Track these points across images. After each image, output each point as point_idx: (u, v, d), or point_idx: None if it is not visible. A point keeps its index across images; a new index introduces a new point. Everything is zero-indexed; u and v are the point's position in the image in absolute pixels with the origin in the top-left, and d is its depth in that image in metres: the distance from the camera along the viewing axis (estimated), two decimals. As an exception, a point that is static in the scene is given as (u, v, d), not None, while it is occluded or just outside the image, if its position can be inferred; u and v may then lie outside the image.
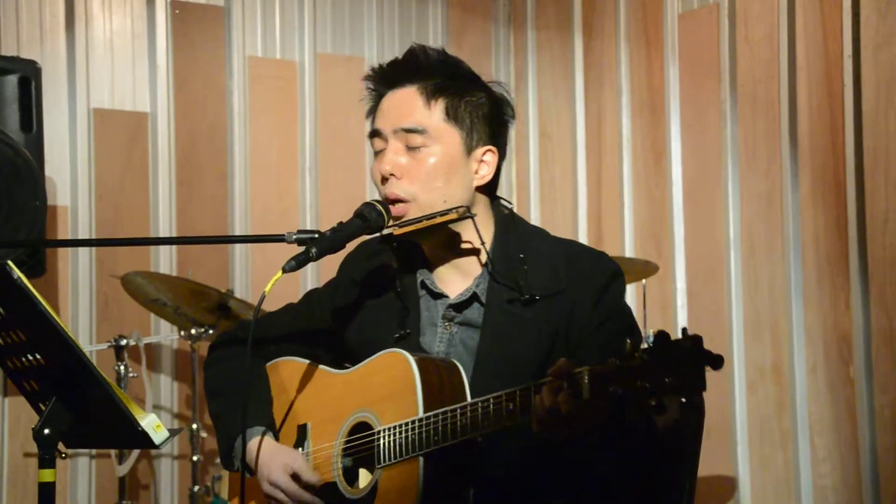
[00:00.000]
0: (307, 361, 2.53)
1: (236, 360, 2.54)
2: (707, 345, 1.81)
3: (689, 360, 1.79)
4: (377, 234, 2.39)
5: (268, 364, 2.60)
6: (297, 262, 2.22)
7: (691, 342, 1.80)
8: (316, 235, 2.27)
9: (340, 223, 2.32)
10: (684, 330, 1.82)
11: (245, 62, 4.96)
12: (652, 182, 4.83)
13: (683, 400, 1.79)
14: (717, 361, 1.79)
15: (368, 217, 2.33)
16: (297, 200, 5.04)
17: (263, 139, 4.99)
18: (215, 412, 2.56)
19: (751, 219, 4.37)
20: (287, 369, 2.57)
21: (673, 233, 4.69)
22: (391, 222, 2.34)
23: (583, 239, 5.08)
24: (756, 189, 4.34)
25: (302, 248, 2.26)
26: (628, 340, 1.87)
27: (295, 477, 2.36)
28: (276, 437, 2.49)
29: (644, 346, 1.86)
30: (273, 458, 2.40)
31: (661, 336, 1.81)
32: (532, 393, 2.02)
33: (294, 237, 2.28)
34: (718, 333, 4.39)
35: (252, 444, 2.42)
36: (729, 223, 4.43)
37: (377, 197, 2.39)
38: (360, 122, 5.15)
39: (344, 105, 5.14)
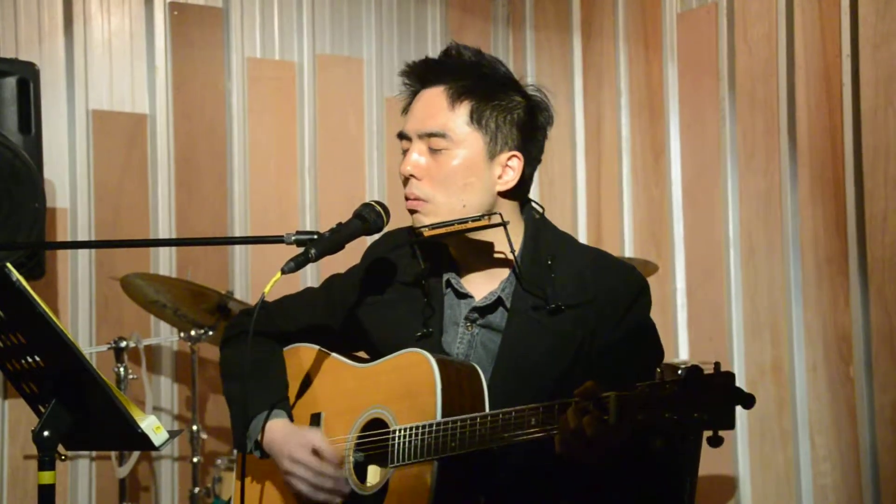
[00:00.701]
0: (325, 349, 2.53)
1: (253, 342, 2.52)
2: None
3: (720, 397, 1.77)
4: (405, 229, 2.39)
5: (285, 349, 2.60)
6: (297, 264, 2.23)
7: (724, 379, 1.78)
8: (315, 236, 2.28)
9: (339, 224, 2.33)
10: (717, 365, 1.80)
11: (244, 63, 4.96)
12: (651, 181, 4.83)
13: (710, 434, 1.78)
14: (748, 401, 1.77)
15: (367, 218, 2.34)
16: (296, 201, 5.04)
17: (262, 140, 4.98)
18: (230, 393, 2.56)
19: (750, 218, 4.36)
20: (304, 355, 2.57)
21: (672, 232, 4.69)
22: (420, 220, 2.33)
23: (582, 239, 5.08)
24: (755, 188, 4.34)
25: (301, 249, 2.26)
26: (659, 370, 1.85)
27: (316, 453, 2.37)
28: (291, 419, 2.50)
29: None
30: (292, 436, 2.41)
31: (694, 370, 1.79)
32: (555, 410, 2.01)
33: (293, 238, 2.28)
34: (718, 333, 4.39)
35: (270, 425, 2.43)
36: (728, 222, 4.43)
37: (377, 197, 2.40)
38: (359, 122, 5.17)
39: (343, 106, 5.14)
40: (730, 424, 1.77)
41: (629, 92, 4.96)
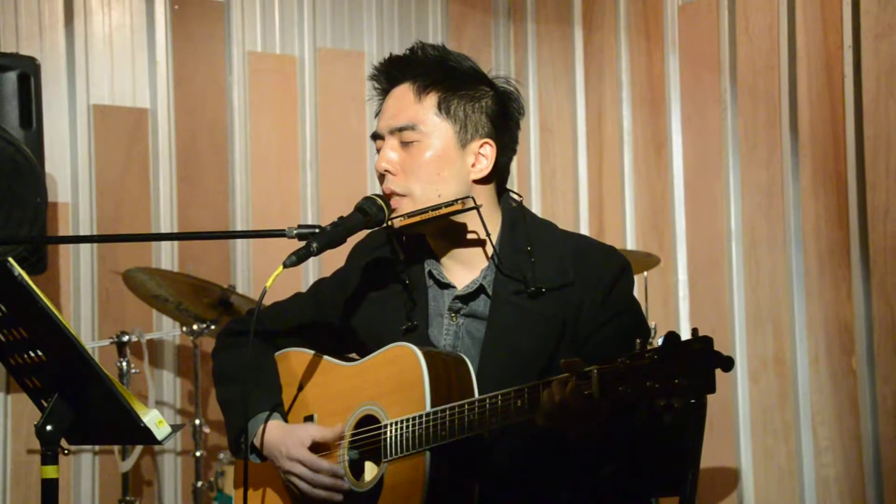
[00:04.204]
0: (315, 352, 2.55)
1: (245, 347, 2.54)
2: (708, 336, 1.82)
3: (700, 361, 1.80)
4: (382, 227, 2.40)
5: (276, 354, 2.62)
6: (298, 257, 2.24)
7: (702, 343, 1.80)
8: (317, 230, 2.29)
9: (341, 218, 2.34)
10: (695, 331, 1.82)
11: (245, 57, 4.96)
12: (653, 174, 4.83)
13: (693, 401, 1.79)
14: (727, 363, 1.80)
15: (369, 211, 2.35)
16: (297, 195, 5.04)
17: (263, 134, 4.98)
18: (224, 399, 2.58)
19: (752, 210, 4.36)
20: (295, 360, 2.58)
21: (674, 225, 4.69)
22: (392, 215, 2.35)
23: (584, 231, 5.08)
24: (757, 180, 4.34)
25: (303, 243, 2.27)
26: (638, 340, 1.87)
27: (313, 448, 2.39)
28: (286, 422, 2.51)
29: (653, 345, 1.86)
30: (287, 435, 2.43)
31: (672, 337, 1.82)
32: (541, 390, 2.03)
33: (295, 232, 2.30)
34: (720, 325, 4.39)
35: (267, 427, 2.44)
36: (730, 215, 4.43)
37: (378, 191, 2.41)
38: (361, 116, 5.17)
39: (344, 100, 5.14)
40: (710, 388, 1.80)
41: (630, 84, 4.95)
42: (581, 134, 5.20)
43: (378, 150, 2.41)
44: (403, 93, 2.39)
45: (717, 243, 4.48)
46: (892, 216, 3.81)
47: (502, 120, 2.41)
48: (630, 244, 4.88)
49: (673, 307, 4.65)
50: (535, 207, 5.31)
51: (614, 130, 5.01)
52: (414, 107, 2.36)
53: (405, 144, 2.36)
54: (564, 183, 5.26)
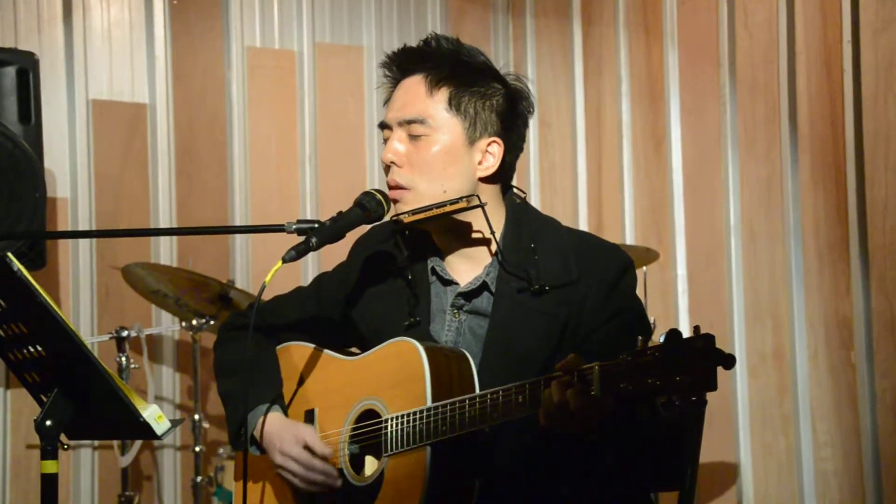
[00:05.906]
0: (316, 346, 2.55)
1: (246, 341, 2.54)
2: (707, 331, 1.82)
3: (701, 359, 1.80)
4: (387, 220, 2.40)
5: (278, 347, 2.62)
6: (297, 252, 2.24)
7: (703, 341, 1.80)
8: (316, 225, 2.29)
9: (340, 212, 2.34)
10: (696, 328, 1.82)
11: (243, 52, 4.96)
12: (652, 169, 4.83)
13: (694, 399, 1.80)
14: (728, 361, 1.80)
15: (368, 206, 2.35)
16: (296, 190, 5.04)
17: (263, 129, 4.98)
18: (225, 392, 2.58)
19: (751, 204, 4.36)
20: (296, 354, 2.58)
21: (673, 219, 4.69)
22: (401, 209, 2.35)
23: (583, 226, 5.08)
24: (756, 175, 4.34)
25: (302, 238, 2.27)
26: (640, 338, 1.87)
27: (307, 448, 2.39)
28: (286, 416, 2.51)
29: (654, 342, 1.86)
30: (285, 430, 2.43)
31: (673, 334, 1.82)
32: (541, 386, 2.03)
33: (294, 227, 2.30)
34: (719, 319, 4.39)
35: (266, 419, 2.45)
36: (729, 209, 4.43)
37: (377, 185, 2.41)
38: (360, 111, 5.17)
39: (343, 94, 5.14)
40: (711, 385, 1.79)
41: (629, 79, 4.95)
42: (580, 128, 5.19)
43: (385, 140, 2.41)
44: (415, 85, 2.38)
45: (717, 238, 4.48)
46: (891, 211, 3.81)
47: (511, 118, 2.40)
48: (629, 239, 4.88)
49: (672, 302, 4.65)
50: (534, 202, 5.31)
51: (613, 125, 5.01)
52: (425, 101, 2.35)
53: (413, 137, 2.36)
54: (563, 177, 5.26)
